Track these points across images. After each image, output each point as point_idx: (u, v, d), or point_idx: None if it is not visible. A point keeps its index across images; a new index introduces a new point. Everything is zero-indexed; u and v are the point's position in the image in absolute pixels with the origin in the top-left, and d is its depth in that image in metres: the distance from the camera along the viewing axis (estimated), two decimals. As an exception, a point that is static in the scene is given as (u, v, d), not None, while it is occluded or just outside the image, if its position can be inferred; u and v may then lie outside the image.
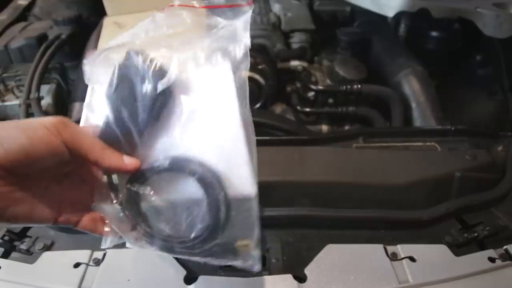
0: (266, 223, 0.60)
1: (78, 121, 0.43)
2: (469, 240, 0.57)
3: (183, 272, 0.52)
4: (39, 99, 0.86)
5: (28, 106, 0.85)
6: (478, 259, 0.53)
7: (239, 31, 0.39)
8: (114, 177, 0.41)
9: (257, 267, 0.38)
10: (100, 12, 1.07)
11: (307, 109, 1.00)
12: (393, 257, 0.54)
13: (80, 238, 0.60)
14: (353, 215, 0.61)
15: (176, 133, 0.39)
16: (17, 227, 0.58)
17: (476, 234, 0.57)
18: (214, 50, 0.40)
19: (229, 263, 0.38)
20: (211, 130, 0.38)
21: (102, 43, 0.95)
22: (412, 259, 0.53)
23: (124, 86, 0.38)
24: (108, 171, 0.41)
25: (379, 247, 0.55)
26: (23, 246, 0.57)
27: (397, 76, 0.99)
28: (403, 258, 0.53)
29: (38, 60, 0.93)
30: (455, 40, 1.12)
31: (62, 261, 0.54)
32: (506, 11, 0.83)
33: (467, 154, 0.68)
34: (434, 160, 0.68)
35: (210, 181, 0.37)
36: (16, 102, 0.88)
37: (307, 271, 0.52)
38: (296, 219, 0.60)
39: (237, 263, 0.38)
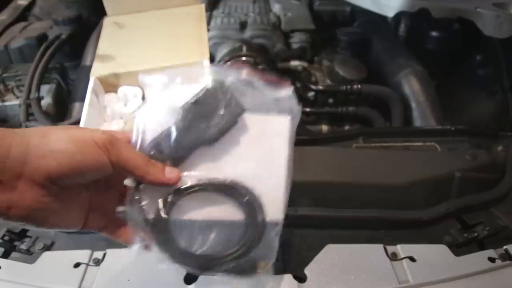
0: (266, 223, 0.60)
1: (78, 121, 0.43)
2: (469, 240, 0.57)
3: (183, 272, 0.52)
4: (39, 99, 0.86)
5: (28, 106, 0.85)
6: (478, 259, 0.53)
7: (291, 100, 0.45)
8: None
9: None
10: (100, 12, 1.07)
11: (307, 109, 1.00)
12: (393, 257, 0.54)
13: (80, 238, 0.60)
14: (353, 215, 0.61)
15: (229, 157, 0.43)
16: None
17: (476, 234, 0.57)
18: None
19: (245, 280, 0.42)
20: (261, 163, 0.43)
21: (102, 43, 0.95)
22: (412, 259, 0.53)
23: (204, 106, 0.42)
24: (151, 184, 0.41)
25: (379, 247, 0.55)
26: (23, 246, 0.57)
27: (397, 76, 0.99)
28: (403, 258, 0.53)
29: (38, 60, 0.93)
30: (455, 40, 1.12)
31: (62, 261, 0.54)
32: (506, 11, 0.83)
33: (467, 154, 0.68)
34: (434, 160, 0.68)
35: (254, 207, 0.42)
36: (16, 102, 0.88)
37: (307, 271, 0.52)
38: (296, 219, 0.60)
39: (253, 281, 0.43)
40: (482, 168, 0.66)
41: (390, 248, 0.55)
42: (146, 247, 0.42)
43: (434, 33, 1.11)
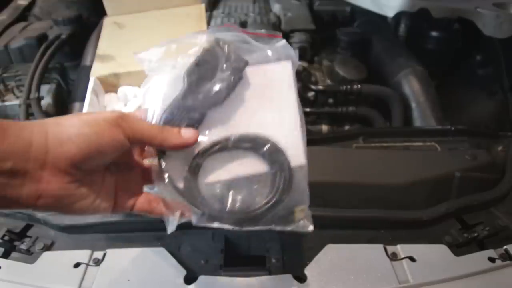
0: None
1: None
2: (469, 240, 0.57)
3: (183, 272, 0.52)
4: (39, 99, 0.86)
5: (28, 106, 0.85)
6: (478, 259, 0.53)
7: (286, 48, 0.45)
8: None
9: (311, 228, 0.43)
10: (100, 12, 1.07)
11: (307, 109, 1.00)
12: (393, 257, 0.54)
13: (80, 238, 0.60)
14: (353, 215, 0.61)
15: (241, 113, 0.43)
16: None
17: (476, 234, 0.57)
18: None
19: (288, 228, 0.42)
20: (272, 112, 0.44)
21: (102, 43, 0.95)
22: (412, 259, 0.53)
23: (206, 65, 0.42)
24: (171, 149, 0.41)
25: (379, 247, 0.55)
26: (23, 246, 0.57)
27: (397, 76, 0.99)
28: (403, 258, 0.53)
29: (38, 60, 0.93)
30: (455, 40, 1.12)
31: (62, 261, 0.54)
32: (506, 11, 0.83)
33: (467, 154, 0.68)
34: (434, 160, 0.68)
35: (276, 154, 0.42)
36: (16, 102, 0.87)
37: (307, 271, 0.52)
38: (296, 219, 0.60)
39: (294, 227, 0.43)
40: (482, 168, 0.66)
41: (390, 248, 0.55)
42: (182, 215, 0.42)
43: (434, 33, 1.11)
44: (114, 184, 0.42)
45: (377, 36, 1.14)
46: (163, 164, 0.42)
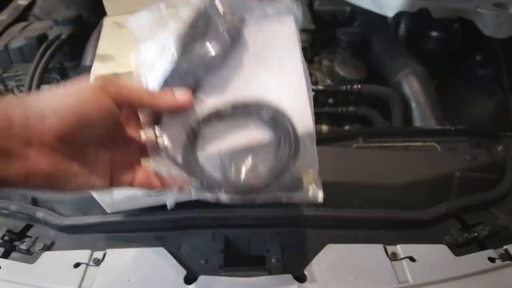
0: (266, 223, 0.61)
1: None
2: (469, 240, 0.57)
3: (183, 272, 0.52)
4: (39, 99, 0.86)
5: (28, 106, 0.85)
6: (478, 259, 0.53)
7: (288, 3, 0.41)
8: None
9: (321, 196, 0.40)
10: (100, 12, 1.07)
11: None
12: (393, 257, 0.54)
13: (80, 238, 0.60)
14: (353, 215, 0.61)
15: (241, 76, 0.40)
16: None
17: (476, 234, 0.57)
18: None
19: (297, 197, 0.40)
20: (275, 74, 0.40)
21: (102, 43, 0.95)
22: (412, 259, 0.53)
23: (200, 27, 0.39)
24: (164, 112, 0.39)
25: (379, 247, 0.55)
26: (23, 246, 0.57)
27: (397, 76, 0.99)
28: (403, 258, 0.53)
29: (38, 60, 0.93)
30: (455, 40, 1.12)
31: (62, 261, 0.54)
32: (506, 11, 0.83)
33: (467, 154, 0.68)
34: (434, 160, 0.68)
35: (281, 120, 0.39)
36: (16, 102, 0.87)
37: (307, 271, 0.52)
38: (296, 219, 0.60)
39: (303, 195, 0.40)
40: (482, 168, 0.66)
41: (390, 248, 0.55)
42: (181, 189, 0.40)
43: (434, 33, 1.11)
44: (110, 160, 0.40)
45: (377, 36, 1.14)
46: (159, 134, 0.39)
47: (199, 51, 0.39)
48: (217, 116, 0.39)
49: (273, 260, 0.56)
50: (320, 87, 1.01)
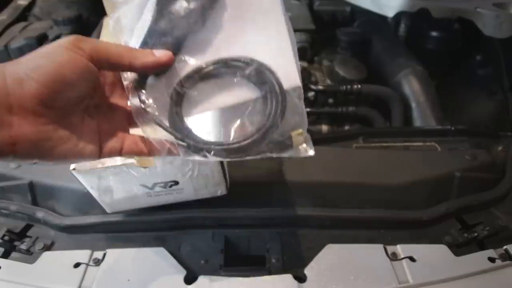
0: (266, 223, 0.61)
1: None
2: (469, 240, 0.57)
3: (183, 272, 0.52)
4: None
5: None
6: (478, 259, 0.53)
7: None
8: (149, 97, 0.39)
9: (312, 152, 0.39)
10: (100, 12, 1.06)
11: (307, 109, 1.00)
12: (393, 257, 0.54)
13: (80, 238, 0.60)
14: (353, 215, 0.61)
15: (223, 35, 0.39)
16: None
17: (476, 234, 0.57)
18: None
19: (286, 154, 0.39)
20: (258, 31, 0.39)
21: (102, 43, 0.95)
22: (412, 259, 0.53)
23: None
24: (143, 71, 0.38)
25: (379, 247, 0.55)
26: (23, 246, 0.57)
27: (397, 76, 0.99)
28: (403, 258, 0.53)
29: (38, 60, 0.93)
30: (455, 40, 1.12)
31: (62, 261, 0.54)
32: (506, 11, 0.83)
33: (467, 154, 0.68)
34: (434, 160, 0.68)
35: (266, 76, 0.38)
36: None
37: (307, 271, 0.52)
38: (296, 219, 0.60)
39: (293, 152, 0.39)
40: (482, 168, 0.66)
41: (390, 248, 0.55)
42: (170, 152, 0.39)
43: (434, 33, 1.11)
44: (97, 127, 0.39)
45: (377, 36, 1.14)
46: (144, 98, 0.38)
47: (177, 10, 0.38)
48: (199, 74, 0.38)
49: (273, 260, 0.56)
50: (320, 87, 1.01)
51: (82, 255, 0.54)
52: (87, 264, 0.53)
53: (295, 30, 1.21)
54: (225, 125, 0.38)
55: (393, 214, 0.61)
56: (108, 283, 0.51)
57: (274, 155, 0.38)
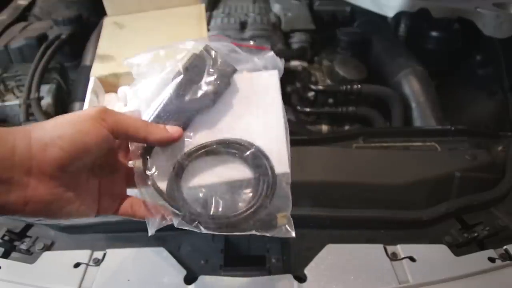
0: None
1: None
2: (469, 240, 0.57)
3: (183, 272, 0.52)
4: (39, 99, 0.86)
5: (28, 106, 0.85)
6: (478, 259, 0.53)
7: (274, 59, 0.47)
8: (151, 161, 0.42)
9: (293, 234, 0.43)
10: (100, 12, 1.07)
11: (307, 109, 1.00)
12: (393, 257, 0.54)
13: (80, 238, 0.60)
14: (353, 215, 0.61)
15: (228, 118, 0.44)
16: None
17: (476, 234, 0.57)
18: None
19: (269, 234, 0.42)
20: (258, 118, 0.44)
21: (102, 43, 0.95)
22: (412, 259, 0.53)
23: (194, 70, 0.43)
24: (155, 144, 0.41)
25: (379, 247, 0.55)
26: (23, 246, 0.57)
27: (397, 76, 0.99)
28: (403, 258, 0.53)
29: (38, 60, 0.93)
30: (455, 40, 1.12)
31: (62, 261, 0.54)
32: (506, 11, 0.83)
33: (467, 154, 0.68)
34: (434, 160, 0.68)
35: (260, 160, 0.42)
36: (16, 102, 0.87)
37: (307, 271, 0.52)
38: (296, 219, 0.60)
39: (276, 233, 0.42)
40: (482, 168, 0.66)
41: (390, 248, 0.55)
42: (163, 218, 0.41)
43: (434, 33, 1.11)
44: (98, 187, 0.41)
45: (377, 36, 1.14)
46: (148, 165, 0.42)
47: (192, 92, 0.43)
48: (202, 151, 0.42)
49: (273, 260, 0.56)
50: (320, 87, 1.01)
51: (82, 255, 0.54)
52: (87, 264, 0.53)
53: (295, 30, 1.22)
54: (218, 199, 0.42)
55: (393, 214, 0.61)
56: (108, 283, 0.51)
57: (259, 233, 0.41)
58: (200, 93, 0.43)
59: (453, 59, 1.13)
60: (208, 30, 1.04)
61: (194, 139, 0.43)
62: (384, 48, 1.10)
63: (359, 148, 0.75)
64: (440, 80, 1.08)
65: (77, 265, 0.53)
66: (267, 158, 0.42)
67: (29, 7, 1.30)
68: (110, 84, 0.84)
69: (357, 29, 1.21)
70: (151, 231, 0.42)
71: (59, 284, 0.51)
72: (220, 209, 0.41)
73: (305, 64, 1.07)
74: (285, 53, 1.06)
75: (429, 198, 0.63)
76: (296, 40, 1.13)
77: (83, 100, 0.80)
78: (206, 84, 0.43)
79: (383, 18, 1.09)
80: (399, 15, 1.13)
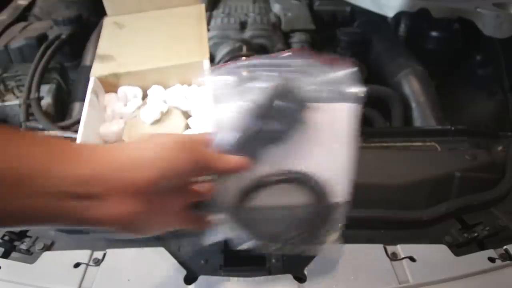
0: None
1: (78, 122, 0.44)
2: (469, 240, 0.57)
3: (183, 272, 0.52)
4: (39, 99, 0.86)
5: (28, 106, 0.85)
6: (478, 259, 0.53)
7: (352, 80, 0.47)
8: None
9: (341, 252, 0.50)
10: (100, 12, 1.07)
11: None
12: (393, 257, 0.54)
13: (80, 238, 0.60)
14: (353, 215, 0.60)
15: (296, 151, 0.46)
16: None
17: (476, 234, 0.57)
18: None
19: (319, 253, 0.48)
20: (328, 150, 0.47)
21: (102, 43, 0.95)
22: (412, 259, 0.53)
23: (273, 104, 0.45)
24: (223, 173, 0.44)
25: (379, 247, 0.55)
26: (23, 246, 0.57)
27: (397, 76, 0.99)
28: (403, 258, 0.53)
29: (38, 60, 0.93)
30: (455, 40, 1.12)
31: (62, 261, 0.54)
32: (506, 11, 0.83)
33: (467, 154, 0.68)
34: (434, 160, 0.68)
35: (320, 188, 0.46)
36: (16, 102, 0.87)
37: (307, 271, 0.52)
38: (296, 219, 0.60)
39: (327, 251, 0.48)
40: (482, 168, 0.66)
41: (390, 248, 0.55)
42: (227, 234, 0.45)
43: (434, 33, 1.11)
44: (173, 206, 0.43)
45: (377, 36, 1.14)
46: (217, 187, 0.45)
47: (266, 126, 0.45)
48: (267, 179, 0.46)
49: (273, 260, 0.56)
50: (320, 87, 1.00)
51: (82, 255, 0.54)
52: (87, 264, 0.53)
53: (295, 30, 1.21)
54: (280, 222, 0.47)
55: (393, 214, 0.61)
56: (108, 283, 0.51)
57: (311, 253, 0.47)
58: (276, 127, 0.45)
59: (453, 59, 1.13)
60: (208, 30, 1.04)
61: (261, 169, 0.46)
62: (384, 48, 1.10)
63: (359, 148, 0.75)
64: (440, 80, 1.08)
65: (77, 265, 0.53)
66: (326, 188, 0.46)
67: (29, 7, 1.30)
68: (110, 84, 0.84)
69: (357, 29, 1.21)
70: (208, 241, 0.46)
71: (59, 284, 0.51)
72: (281, 231, 0.46)
73: (305, 64, 1.06)
74: (285, 53, 1.06)
75: (429, 198, 0.63)
76: (296, 40, 1.13)
77: (83, 100, 0.80)
78: (281, 119, 0.45)
79: (383, 18, 1.09)
80: (399, 15, 1.13)
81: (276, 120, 0.45)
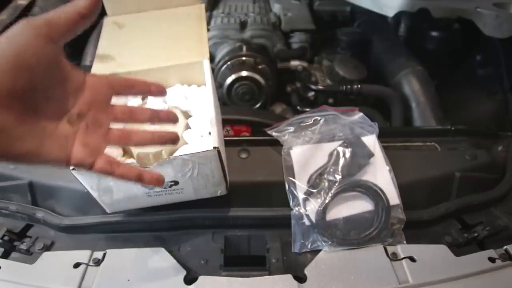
0: (266, 223, 0.61)
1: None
2: (469, 240, 0.57)
3: (183, 272, 0.52)
4: (39, 99, 0.86)
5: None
6: (478, 259, 0.53)
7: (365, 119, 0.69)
8: None
9: (405, 241, 0.57)
10: (100, 12, 1.07)
11: (307, 109, 1.00)
12: (393, 257, 0.54)
13: (80, 238, 0.60)
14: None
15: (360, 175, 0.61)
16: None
17: (476, 234, 0.57)
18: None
19: (386, 244, 0.56)
20: (374, 169, 0.62)
21: (102, 43, 0.95)
22: (412, 259, 0.53)
23: (346, 151, 0.62)
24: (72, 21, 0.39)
25: (379, 247, 0.55)
26: (23, 246, 0.57)
27: (397, 76, 0.99)
28: (403, 258, 0.53)
29: (38, 60, 0.93)
30: (455, 40, 1.12)
31: (62, 261, 0.54)
32: (506, 11, 0.83)
33: (467, 154, 0.68)
34: (434, 160, 0.68)
35: (379, 196, 0.59)
36: (16, 102, 0.87)
37: (307, 271, 0.52)
38: (296, 219, 0.60)
39: (394, 242, 0.57)
40: (482, 168, 0.66)
41: (390, 248, 0.55)
42: (158, 182, 0.45)
43: (434, 33, 1.11)
44: (73, 136, 0.39)
45: (377, 36, 1.14)
46: (304, 203, 0.59)
47: (345, 168, 0.61)
48: (339, 190, 0.59)
49: (273, 260, 0.56)
50: (320, 87, 1.01)
51: (82, 255, 0.54)
52: (87, 264, 0.53)
53: (295, 30, 1.21)
54: (351, 225, 0.58)
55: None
56: (108, 283, 0.51)
57: (382, 244, 0.56)
58: (350, 170, 0.60)
59: (453, 59, 1.13)
60: (208, 30, 1.04)
61: (336, 184, 0.60)
62: (384, 48, 1.10)
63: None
64: (440, 80, 1.08)
65: (77, 265, 0.53)
66: (384, 195, 0.59)
67: (29, 7, 1.30)
68: (110, 84, 0.84)
69: (357, 29, 1.21)
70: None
71: (59, 284, 0.51)
72: (352, 233, 0.57)
73: (305, 64, 1.07)
74: (285, 53, 1.07)
75: (429, 198, 0.63)
76: (296, 40, 1.13)
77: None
78: (354, 164, 0.61)
79: (383, 18, 1.09)
80: (399, 15, 1.13)
81: (349, 163, 0.61)
